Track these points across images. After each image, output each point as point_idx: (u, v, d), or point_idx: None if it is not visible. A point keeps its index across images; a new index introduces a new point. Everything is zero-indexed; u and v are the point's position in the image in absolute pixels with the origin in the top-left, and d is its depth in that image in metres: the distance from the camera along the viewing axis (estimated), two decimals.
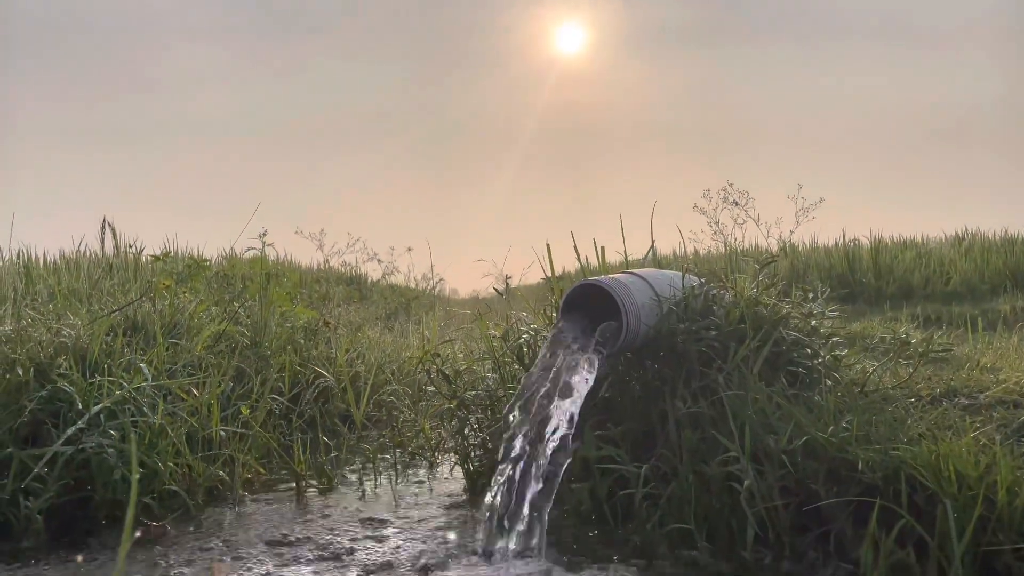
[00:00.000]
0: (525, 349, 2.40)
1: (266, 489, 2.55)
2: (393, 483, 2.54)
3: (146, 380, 2.50)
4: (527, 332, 2.43)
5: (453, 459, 2.59)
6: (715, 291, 2.23)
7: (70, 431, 2.24)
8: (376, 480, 2.59)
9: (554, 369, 1.95)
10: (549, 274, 2.85)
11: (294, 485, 2.54)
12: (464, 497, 2.32)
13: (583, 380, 1.88)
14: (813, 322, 2.19)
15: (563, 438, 1.81)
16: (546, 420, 1.88)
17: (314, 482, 2.56)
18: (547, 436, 1.82)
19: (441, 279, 11.76)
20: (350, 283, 9.54)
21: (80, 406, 2.38)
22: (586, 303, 2.14)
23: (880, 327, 3.92)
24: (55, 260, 8.61)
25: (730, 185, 10.88)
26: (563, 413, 1.88)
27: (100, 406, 2.33)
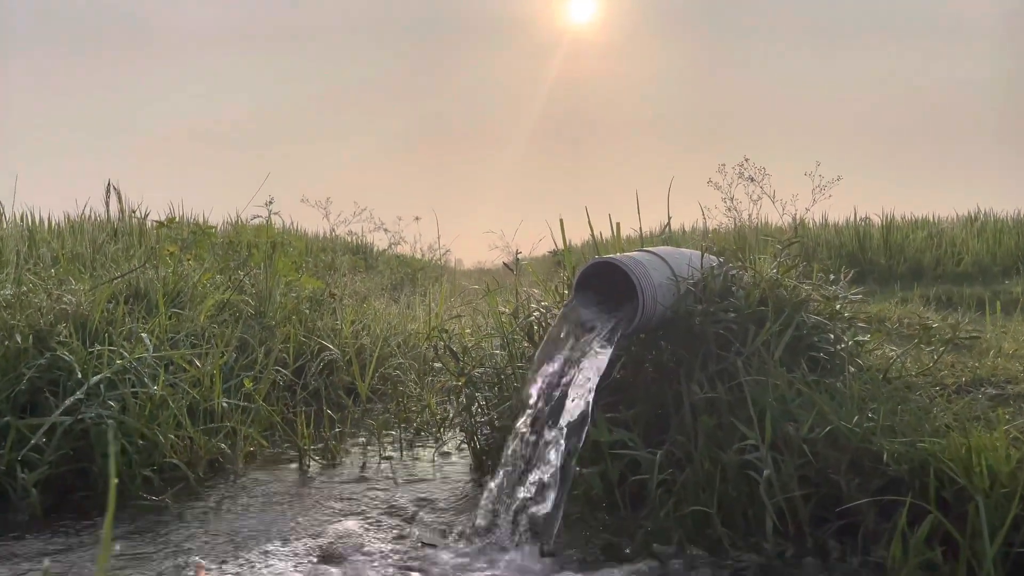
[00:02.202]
0: (535, 327, 2.33)
1: (269, 464, 2.49)
2: (399, 459, 2.49)
3: (147, 351, 2.44)
4: (537, 310, 2.36)
5: (459, 436, 2.53)
6: (734, 271, 2.16)
7: (68, 402, 2.18)
8: (380, 456, 2.54)
9: (567, 350, 1.88)
10: (560, 247, 2.78)
11: (297, 460, 2.49)
12: (470, 476, 2.27)
13: (597, 363, 1.82)
14: (837, 305, 2.12)
15: (576, 422, 1.74)
16: (559, 403, 1.82)
17: (317, 458, 2.51)
18: (560, 420, 1.76)
19: (447, 251, 11.68)
20: (356, 252, 9.46)
21: (79, 375, 2.33)
22: (600, 281, 2.07)
23: (897, 309, 3.83)
24: (59, 223, 8.55)
25: (746, 160, 10.70)
26: (577, 396, 1.82)
27: (100, 376, 2.28)
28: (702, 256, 2.13)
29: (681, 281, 2.04)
